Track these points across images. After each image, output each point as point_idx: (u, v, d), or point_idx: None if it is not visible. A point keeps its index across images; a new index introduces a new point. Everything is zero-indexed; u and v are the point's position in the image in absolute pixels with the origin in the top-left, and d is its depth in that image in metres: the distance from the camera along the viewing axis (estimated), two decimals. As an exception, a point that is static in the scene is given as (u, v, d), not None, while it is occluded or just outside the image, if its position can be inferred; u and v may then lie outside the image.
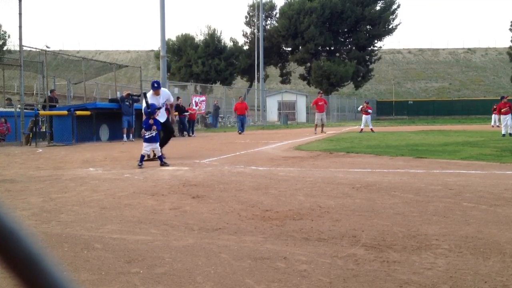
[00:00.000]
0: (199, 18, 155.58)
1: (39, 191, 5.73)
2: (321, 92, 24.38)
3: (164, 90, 9.56)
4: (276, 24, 50.03)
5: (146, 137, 8.25)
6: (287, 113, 40.09)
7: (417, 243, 3.29)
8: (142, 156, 8.23)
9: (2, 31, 44.52)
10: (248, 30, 52.02)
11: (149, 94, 9.13)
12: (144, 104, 8.75)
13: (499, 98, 16.83)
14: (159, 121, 8.66)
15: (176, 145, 14.27)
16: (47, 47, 21.54)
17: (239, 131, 21.78)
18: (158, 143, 8.44)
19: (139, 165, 8.11)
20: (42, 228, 3.86)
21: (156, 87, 9.00)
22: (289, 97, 41.86)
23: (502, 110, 16.19)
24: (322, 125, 21.07)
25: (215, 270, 2.78)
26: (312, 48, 47.22)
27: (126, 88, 23.31)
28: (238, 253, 3.11)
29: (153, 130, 8.27)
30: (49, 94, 17.86)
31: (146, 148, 8.23)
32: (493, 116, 25.57)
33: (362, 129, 21.10)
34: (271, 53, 49.25)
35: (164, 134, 9.39)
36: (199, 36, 47.99)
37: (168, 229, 3.78)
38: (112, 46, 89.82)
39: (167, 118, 9.62)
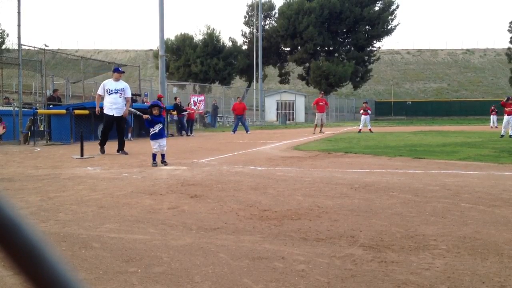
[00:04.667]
0: (198, 18, 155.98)
1: (37, 190, 5.72)
2: (322, 92, 24.39)
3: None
4: (275, 24, 50.04)
5: (151, 133, 8.32)
6: (285, 113, 40.11)
7: (415, 243, 3.29)
8: (154, 155, 8.25)
9: (1, 29, 44.53)
10: (247, 30, 52.06)
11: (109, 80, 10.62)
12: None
13: (505, 99, 16.84)
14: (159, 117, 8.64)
15: (174, 144, 14.25)
16: (45, 46, 21.48)
17: (233, 132, 21.76)
18: (165, 138, 8.49)
19: (154, 164, 8.17)
20: (40, 227, 3.85)
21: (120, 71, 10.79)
22: (287, 97, 41.84)
23: (507, 110, 16.14)
24: (321, 125, 21.10)
25: (213, 270, 2.78)
26: (311, 48, 47.24)
27: (124, 87, 23.22)
28: (236, 253, 3.11)
29: (156, 126, 8.29)
30: (51, 93, 17.83)
31: (154, 146, 8.25)
32: (491, 117, 25.62)
33: (360, 130, 21.14)
34: (270, 53, 49.27)
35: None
36: (198, 36, 47.99)
37: (166, 229, 3.78)
38: (110, 45, 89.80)
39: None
